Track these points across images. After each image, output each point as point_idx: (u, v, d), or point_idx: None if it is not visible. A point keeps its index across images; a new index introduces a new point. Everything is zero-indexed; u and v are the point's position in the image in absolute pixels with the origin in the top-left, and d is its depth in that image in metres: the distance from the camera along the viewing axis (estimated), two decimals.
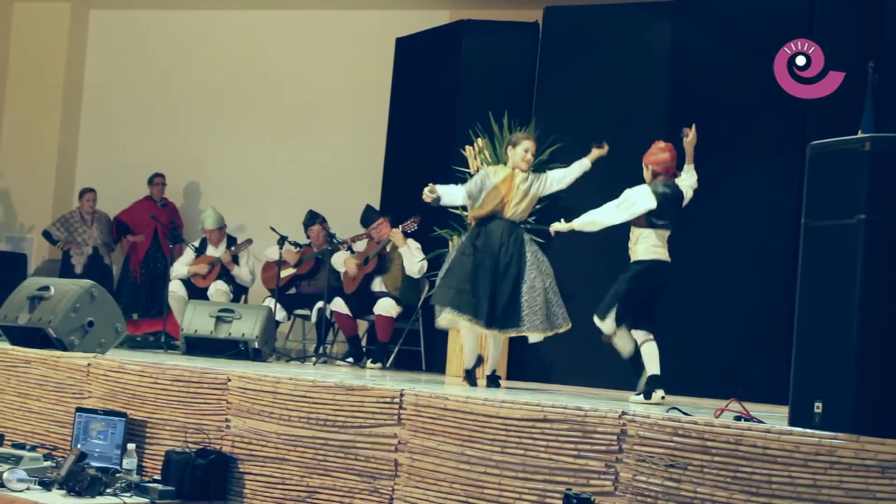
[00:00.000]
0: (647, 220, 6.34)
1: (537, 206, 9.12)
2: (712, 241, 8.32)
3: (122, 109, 12.25)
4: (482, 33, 10.08)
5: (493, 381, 7.21)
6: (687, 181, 6.48)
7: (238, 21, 12.04)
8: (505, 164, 7.30)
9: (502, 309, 6.83)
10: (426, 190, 7.13)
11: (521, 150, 7.10)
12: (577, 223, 6.61)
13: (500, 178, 7.07)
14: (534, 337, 7.02)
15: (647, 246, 6.35)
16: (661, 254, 6.36)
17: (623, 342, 6.38)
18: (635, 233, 6.41)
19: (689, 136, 6.42)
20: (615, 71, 9.22)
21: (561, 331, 6.99)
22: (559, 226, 6.72)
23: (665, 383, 6.21)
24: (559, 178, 7.17)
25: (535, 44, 9.80)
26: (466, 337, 7.20)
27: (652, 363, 6.24)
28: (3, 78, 12.53)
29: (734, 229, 8.38)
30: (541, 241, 9.10)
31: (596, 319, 6.39)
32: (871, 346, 4.21)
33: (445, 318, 6.99)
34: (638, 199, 6.33)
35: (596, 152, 7.08)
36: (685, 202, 6.51)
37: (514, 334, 7.03)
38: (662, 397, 6.13)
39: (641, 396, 6.18)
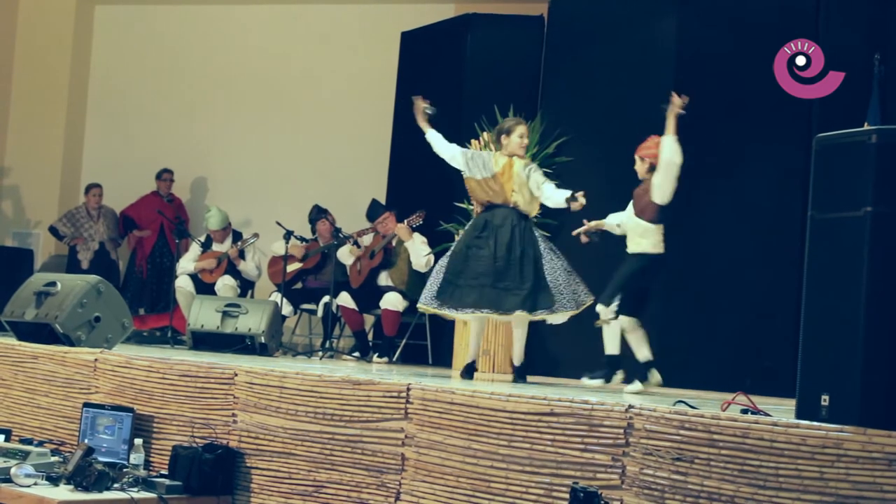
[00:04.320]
0: (659, 215, 6.49)
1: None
2: (718, 234, 8.30)
3: (127, 105, 12.26)
4: (487, 27, 10.07)
5: (521, 375, 7.01)
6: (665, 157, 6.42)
7: (244, 15, 12.04)
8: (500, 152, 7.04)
9: (528, 292, 6.64)
10: (422, 104, 7.20)
11: (517, 136, 6.90)
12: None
13: (500, 168, 6.90)
14: (559, 318, 6.86)
15: (656, 240, 6.52)
16: (662, 248, 6.58)
17: (614, 331, 6.60)
18: (641, 226, 6.52)
19: (677, 102, 6.38)
20: (621, 64, 9.19)
21: (586, 305, 6.82)
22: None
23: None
24: (546, 193, 6.87)
25: (540, 37, 9.79)
26: (474, 329, 7.11)
27: (647, 349, 6.49)
28: (8, 73, 12.54)
29: (740, 221, 8.36)
30: (547, 234, 9.14)
31: (600, 307, 6.54)
32: (878, 339, 4.20)
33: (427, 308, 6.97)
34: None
35: (575, 205, 6.72)
36: (673, 176, 6.44)
37: (544, 316, 6.80)
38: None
39: (638, 384, 6.44)
